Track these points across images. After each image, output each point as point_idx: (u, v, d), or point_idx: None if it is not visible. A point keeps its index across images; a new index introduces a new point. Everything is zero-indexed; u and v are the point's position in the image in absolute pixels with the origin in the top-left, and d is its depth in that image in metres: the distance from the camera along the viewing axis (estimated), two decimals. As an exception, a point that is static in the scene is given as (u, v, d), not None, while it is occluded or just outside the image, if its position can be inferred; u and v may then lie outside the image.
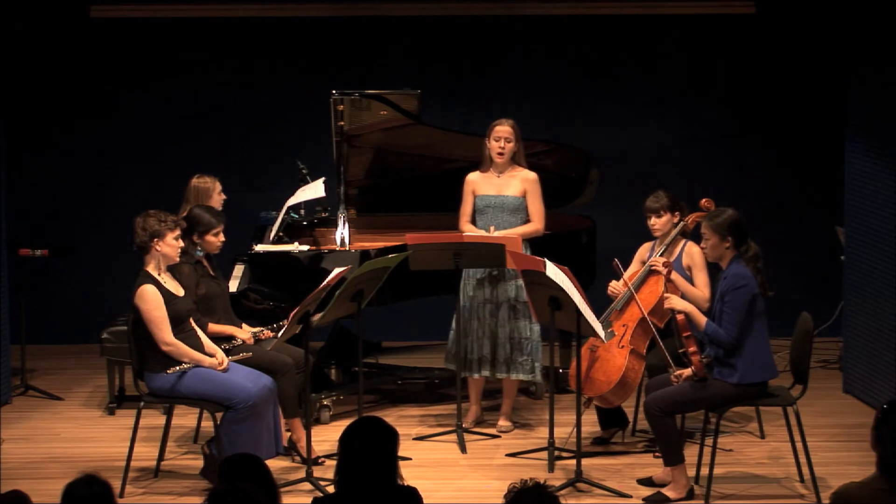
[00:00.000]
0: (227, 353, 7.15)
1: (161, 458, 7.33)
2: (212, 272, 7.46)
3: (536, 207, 7.95)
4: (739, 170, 10.17)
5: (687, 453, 6.94)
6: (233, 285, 7.92)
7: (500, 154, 7.88)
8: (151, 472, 7.26)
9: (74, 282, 10.09)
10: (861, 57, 8.35)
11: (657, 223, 7.53)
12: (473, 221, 7.97)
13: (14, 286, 8.77)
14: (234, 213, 8.32)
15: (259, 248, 8.18)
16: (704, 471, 6.91)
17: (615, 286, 7.46)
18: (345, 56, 10.05)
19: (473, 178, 8.01)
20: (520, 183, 7.94)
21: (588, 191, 8.92)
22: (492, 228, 7.84)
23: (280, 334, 7.01)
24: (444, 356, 8.08)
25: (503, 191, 7.94)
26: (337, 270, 7.08)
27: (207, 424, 7.46)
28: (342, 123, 8.29)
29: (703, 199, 7.30)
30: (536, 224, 7.94)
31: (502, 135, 7.88)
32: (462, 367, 7.87)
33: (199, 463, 7.22)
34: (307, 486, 6.89)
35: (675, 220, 7.54)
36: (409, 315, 9.51)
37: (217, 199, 8.00)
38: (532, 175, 7.95)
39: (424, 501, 4.62)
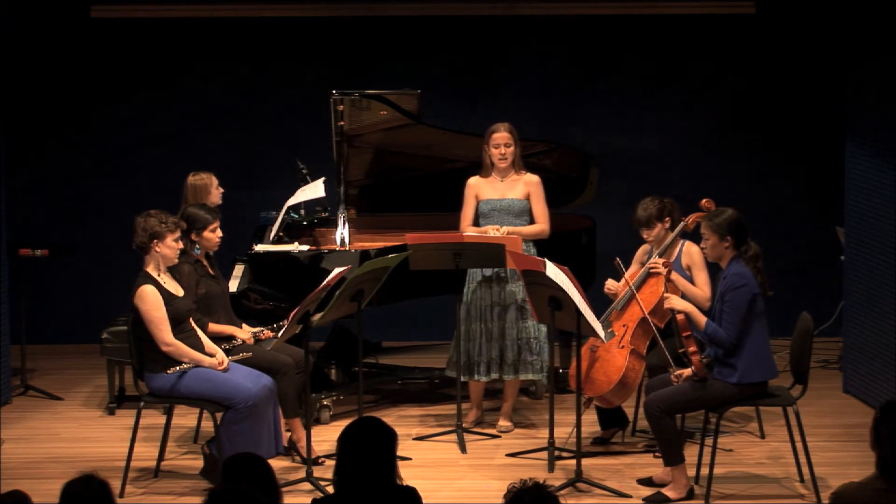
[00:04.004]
0: (227, 353, 7.15)
1: (161, 458, 7.33)
2: (211, 272, 7.46)
3: (540, 209, 7.94)
4: (739, 170, 10.16)
5: (687, 453, 6.94)
6: (233, 285, 7.92)
7: (503, 160, 7.87)
8: (151, 472, 7.26)
9: (74, 282, 10.09)
10: (861, 57, 8.35)
11: (650, 235, 7.53)
12: (477, 225, 7.97)
13: (14, 286, 8.77)
14: (234, 213, 8.32)
15: (259, 248, 8.18)
16: (704, 471, 6.91)
17: (613, 285, 7.45)
18: (345, 56, 10.05)
19: (475, 182, 8.00)
20: (523, 186, 7.93)
21: (588, 191, 8.92)
22: (498, 227, 7.84)
23: (280, 334, 7.00)
24: (446, 364, 8.06)
25: (507, 194, 7.92)
26: (337, 270, 7.08)
27: (207, 424, 7.46)
28: (342, 123, 8.28)
29: (704, 200, 7.28)
30: (542, 225, 7.93)
31: (501, 141, 7.86)
32: (465, 372, 7.86)
33: (199, 463, 7.21)
34: (307, 486, 6.89)
35: (667, 225, 7.53)
36: (409, 315, 9.51)
37: (216, 194, 8.00)
38: (535, 178, 7.95)
39: (424, 501, 4.63)
